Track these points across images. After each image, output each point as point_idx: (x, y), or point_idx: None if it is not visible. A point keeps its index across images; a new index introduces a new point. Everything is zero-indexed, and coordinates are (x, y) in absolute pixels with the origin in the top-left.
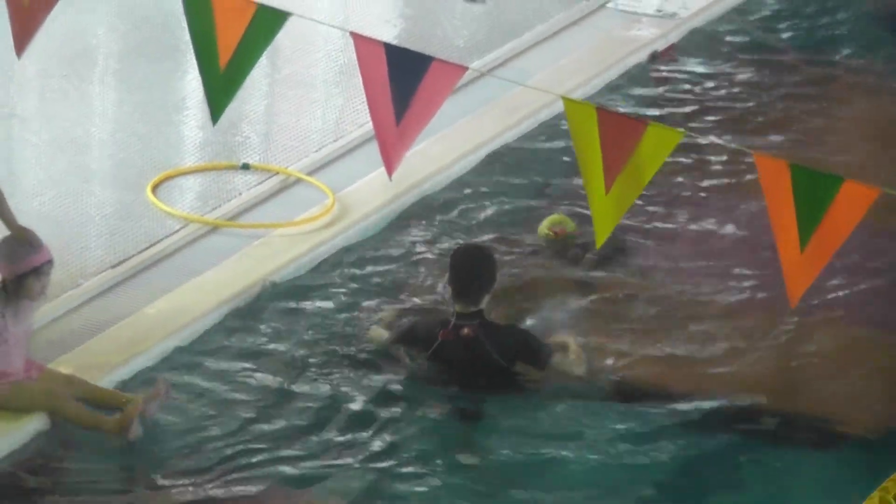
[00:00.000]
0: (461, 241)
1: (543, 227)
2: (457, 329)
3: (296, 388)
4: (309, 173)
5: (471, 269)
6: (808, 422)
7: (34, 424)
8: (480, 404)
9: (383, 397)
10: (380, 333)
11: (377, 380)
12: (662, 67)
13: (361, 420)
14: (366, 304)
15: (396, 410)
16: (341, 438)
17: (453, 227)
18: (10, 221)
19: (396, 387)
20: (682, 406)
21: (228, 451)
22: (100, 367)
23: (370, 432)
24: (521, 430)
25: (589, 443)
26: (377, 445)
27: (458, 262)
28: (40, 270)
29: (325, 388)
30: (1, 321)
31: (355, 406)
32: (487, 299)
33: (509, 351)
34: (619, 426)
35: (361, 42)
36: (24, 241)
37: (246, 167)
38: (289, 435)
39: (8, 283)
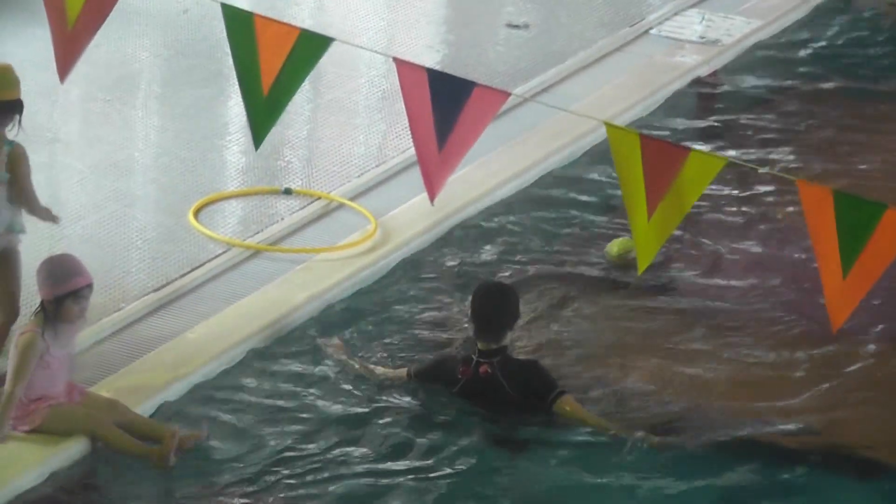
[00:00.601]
0: (489, 273)
1: (614, 248)
2: (477, 367)
3: (333, 413)
4: (351, 198)
5: (492, 307)
6: (851, 451)
7: (76, 447)
8: (505, 431)
9: (417, 426)
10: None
11: (411, 408)
12: (705, 93)
13: (396, 448)
14: (396, 338)
15: (431, 440)
16: (376, 466)
17: (495, 253)
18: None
19: (434, 417)
20: (720, 435)
21: (266, 475)
22: (141, 390)
23: (405, 461)
24: (539, 463)
25: (620, 479)
26: (412, 476)
27: (479, 300)
28: (79, 294)
29: (362, 413)
30: (42, 343)
31: (390, 432)
32: (510, 336)
33: (522, 385)
34: (648, 458)
35: (404, 67)
36: (64, 263)
37: (288, 192)
38: (325, 460)
39: (47, 306)
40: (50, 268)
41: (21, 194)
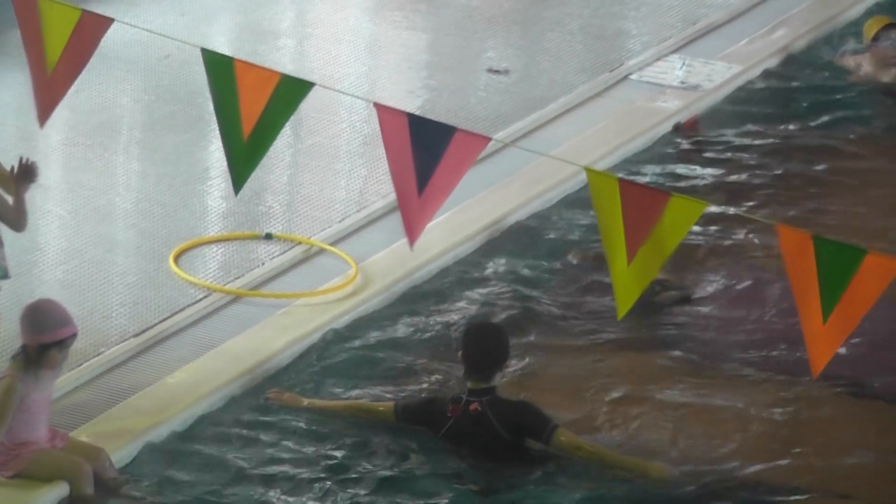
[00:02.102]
0: (480, 313)
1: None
2: (466, 405)
3: (314, 460)
4: (332, 243)
5: (483, 347)
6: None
7: (58, 491)
8: (489, 480)
9: (398, 470)
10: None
11: (395, 451)
12: (686, 139)
13: (378, 493)
14: (378, 385)
15: (410, 484)
16: None
17: (476, 298)
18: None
19: (412, 460)
20: (700, 477)
21: None
22: (121, 435)
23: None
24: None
25: None
26: None
27: (471, 339)
28: (65, 343)
29: (342, 459)
30: (22, 388)
31: (371, 478)
32: (500, 376)
33: (514, 426)
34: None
35: (385, 112)
36: (53, 312)
37: (269, 237)
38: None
39: (30, 352)
40: (37, 315)
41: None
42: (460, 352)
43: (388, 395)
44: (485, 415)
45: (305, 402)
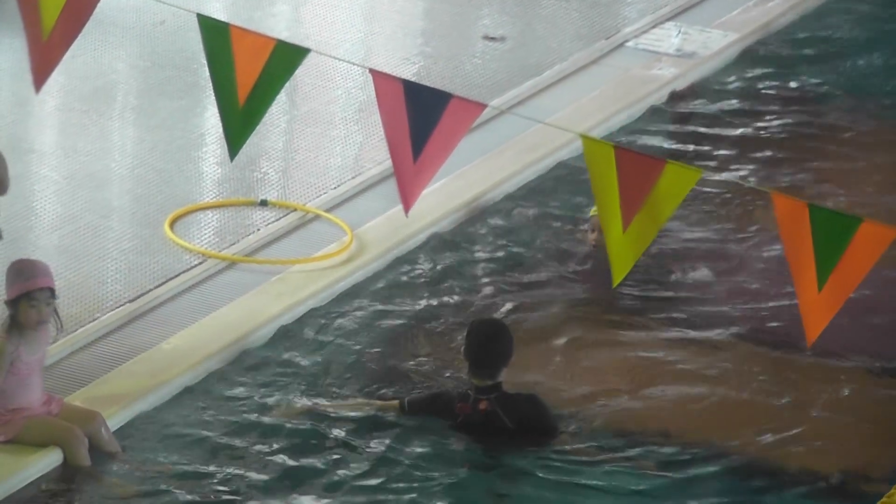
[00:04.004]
0: (480, 309)
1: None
2: (475, 403)
3: (308, 429)
4: (327, 210)
5: (488, 345)
6: (825, 476)
7: (52, 457)
8: (497, 472)
9: (397, 451)
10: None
11: (391, 431)
12: (682, 106)
13: (376, 471)
14: (375, 349)
15: (412, 466)
16: (354, 483)
17: (471, 265)
18: None
19: (417, 443)
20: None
21: (237, 494)
22: (116, 400)
23: (382, 481)
24: (540, 497)
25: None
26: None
27: (475, 337)
28: (32, 296)
29: (338, 433)
30: (11, 348)
31: (369, 452)
32: (504, 372)
33: (523, 420)
34: (634, 487)
35: (380, 79)
36: (20, 266)
37: (264, 203)
38: (293, 478)
39: (10, 311)
40: (9, 270)
41: None
42: (464, 350)
43: (383, 365)
44: (495, 412)
45: (304, 408)
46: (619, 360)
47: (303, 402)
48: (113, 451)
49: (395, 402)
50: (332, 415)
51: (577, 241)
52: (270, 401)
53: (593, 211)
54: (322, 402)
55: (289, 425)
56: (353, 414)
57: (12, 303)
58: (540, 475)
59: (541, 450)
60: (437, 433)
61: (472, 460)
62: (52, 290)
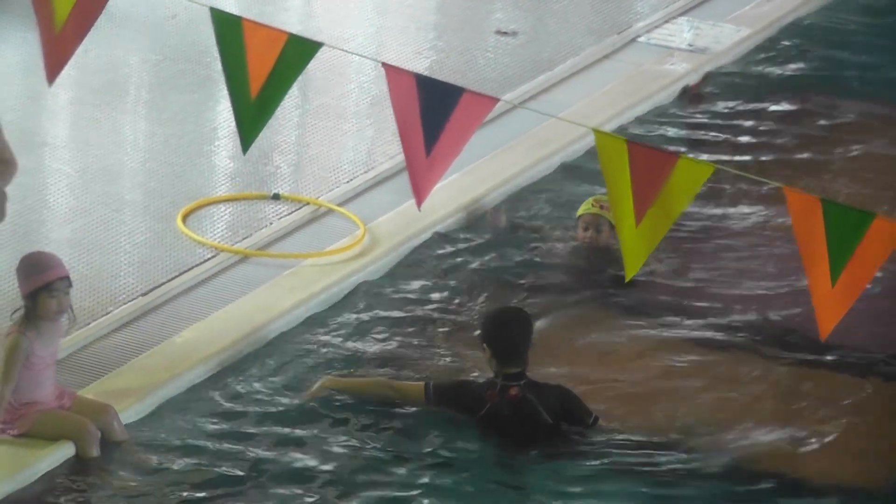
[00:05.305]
0: (495, 298)
1: (587, 204)
2: (504, 390)
3: (326, 421)
4: (340, 204)
5: (513, 332)
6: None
7: (64, 451)
8: (527, 462)
9: (417, 444)
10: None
11: (410, 423)
12: (694, 102)
13: (393, 464)
14: (388, 344)
15: (436, 459)
16: (365, 477)
17: (483, 259)
18: None
19: (445, 442)
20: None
21: (252, 487)
22: (129, 394)
23: (406, 474)
24: (568, 487)
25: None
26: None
27: (499, 324)
28: (52, 287)
29: (352, 426)
30: (27, 342)
31: (386, 447)
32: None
33: (554, 409)
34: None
35: (393, 73)
36: (36, 258)
37: (277, 197)
38: (309, 470)
39: (26, 303)
40: (22, 265)
41: None
42: (487, 340)
43: (398, 357)
44: (526, 399)
45: (328, 382)
46: (619, 356)
47: (325, 380)
48: (124, 444)
49: (420, 384)
50: (352, 403)
51: (571, 239)
52: (283, 398)
53: (582, 209)
54: (345, 378)
55: (304, 417)
56: (374, 400)
57: (30, 296)
58: (556, 470)
59: (567, 442)
60: (458, 424)
61: (496, 453)
62: (69, 280)
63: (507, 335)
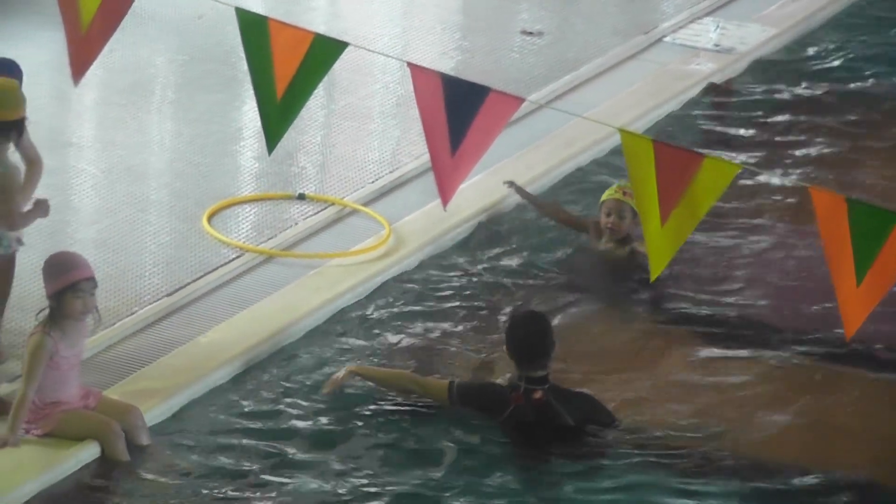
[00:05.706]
0: (518, 302)
1: (610, 190)
2: (528, 394)
3: (350, 420)
4: (365, 204)
5: (535, 337)
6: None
7: (88, 451)
8: (550, 465)
9: (440, 444)
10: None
11: (435, 423)
12: (720, 101)
13: (420, 463)
14: (413, 341)
15: (462, 459)
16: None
17: (509, 260)
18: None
19: (461, 438)
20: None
21: (276, 487)
22: (154, 394)
23: (433, 477)
24: (592, 490)
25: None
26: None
27: (522, 331)
28: (78, 287)
29: (377, 426)
30: (51, 342)
31: (412, 444)
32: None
33: (578, 413)
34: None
35: (419, 73)
36: (61, 258)
37: (302, 197)
38: (333, 469)
39: (51, 304)
40: (48, 265)
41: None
42: (511, 345)
43: (423, 357)
44: (549, 403)
45: (354, 368)
46: (642, 356)
47: (351, 367)
48: (148, 445)
49: (444, 382)
50: (375, 406)
51: (593, 223)
52: (308, 398)
53: (605, 195)
54: (369, 371)
55: (329, 417)
56: (398, 399)
57: (56, 296)
58: (579, 473)
59: (588, 444)
60: (480, 426)
61: (518, 454)
62: (94, 280)
63: (523, 340)
